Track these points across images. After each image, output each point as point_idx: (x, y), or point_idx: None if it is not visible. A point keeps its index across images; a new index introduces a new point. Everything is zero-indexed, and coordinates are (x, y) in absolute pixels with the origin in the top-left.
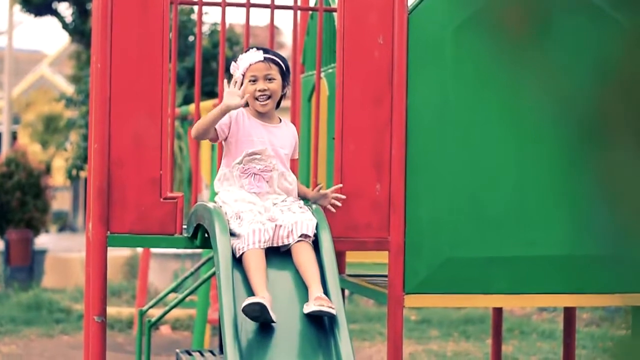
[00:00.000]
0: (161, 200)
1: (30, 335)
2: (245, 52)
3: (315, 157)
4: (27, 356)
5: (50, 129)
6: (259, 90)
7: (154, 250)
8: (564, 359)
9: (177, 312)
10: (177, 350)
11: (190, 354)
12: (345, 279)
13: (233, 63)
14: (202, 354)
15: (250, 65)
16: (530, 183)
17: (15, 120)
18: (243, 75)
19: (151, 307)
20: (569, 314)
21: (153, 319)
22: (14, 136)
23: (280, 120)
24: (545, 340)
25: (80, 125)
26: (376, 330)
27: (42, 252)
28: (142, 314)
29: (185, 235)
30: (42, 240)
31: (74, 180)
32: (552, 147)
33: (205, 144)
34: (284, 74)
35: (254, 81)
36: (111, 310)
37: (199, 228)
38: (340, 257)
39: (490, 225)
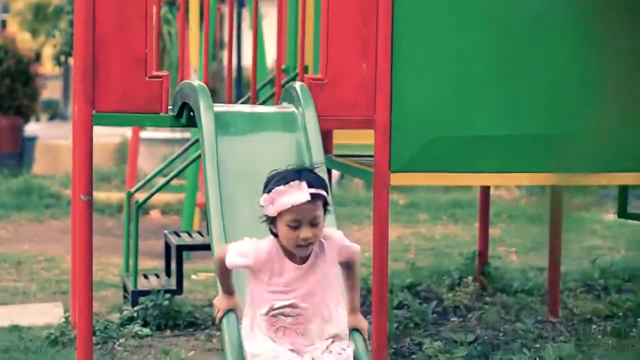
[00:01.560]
0: (146, 79)
1: (20, 220)
2: (281, 180)
3: (302, 38)
4: (16, 240)
5: (40, 17)
6: (303, 239)
7: (143, 135)
8: (550, 242)
9: (166, 197)
10: (165, 232)
11: (178, 235)
12: (333, 159)
13: (265, 196)
14: (190, 235)
15: (293, 207)
16: (517, 62)
17: (5, 9)
18: (277, 215)
19: (139, 189)
20: (556, 196)
21: (141, 200)
22: (3, 25)
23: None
24: (533, 224)
25: (68, 11)
26: (365, 214)
27: (32, 139)
28: (129, 195)
29: (171, 114)
30: (32, 128)
31: (63, 67)
32: (542, 25)
33: (194, 28)
34: (326, 203)
35: (295, 227)
36: (101, 196)
37: (184, 107)
38: (327, 137)
39: (476, 104)
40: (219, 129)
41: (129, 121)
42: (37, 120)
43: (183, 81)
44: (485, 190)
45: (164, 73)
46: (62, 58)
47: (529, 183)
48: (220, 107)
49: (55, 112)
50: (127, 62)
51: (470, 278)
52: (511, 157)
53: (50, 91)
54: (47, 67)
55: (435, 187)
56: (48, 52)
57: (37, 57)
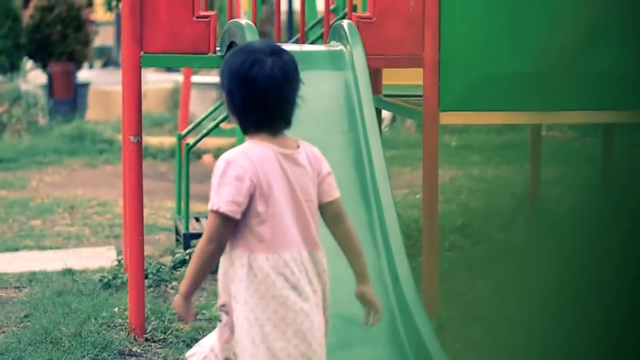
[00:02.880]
0: (194, 19)
1: (73, 165)
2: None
3: None
4: (70, 185)
5: None
6: None
7: (194, 79)
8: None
9: (219, 141)
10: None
11: None
12: (382, 99)
13: None
14: None
15: None
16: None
17: None
18: None
19: (189, 131)
20: (609, 135)
21: (191, 142)
22: None
23: None
24: (586, 165)
25: None
26: (416, 156)
27: (85, 85)
28: (180, 138)
29: (219, 54)
30: (84, 75)
31: (115, 12)
32: None
33: None
34: None
35: None
36: (154, 140)
37: (231, 46)
38: (376, 77)
39: (525, 40)
40: None
41: (177, 62)
42: (90, 67)
43: (230, 20)
44: (537, 130)
45: (212, 13)
46: (114, 3)
47: (583, 120)
48: None
49: (108, 59)
50: (175, 1)
51: (522, 219)
52: (563, 95)
53: (103, 38)
54: (99, 13)
55: (487, 129)
56: None
57: (89, 3)
